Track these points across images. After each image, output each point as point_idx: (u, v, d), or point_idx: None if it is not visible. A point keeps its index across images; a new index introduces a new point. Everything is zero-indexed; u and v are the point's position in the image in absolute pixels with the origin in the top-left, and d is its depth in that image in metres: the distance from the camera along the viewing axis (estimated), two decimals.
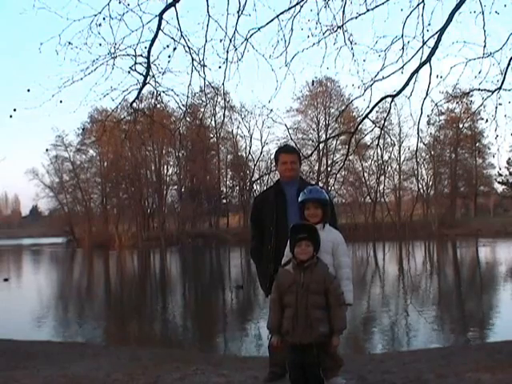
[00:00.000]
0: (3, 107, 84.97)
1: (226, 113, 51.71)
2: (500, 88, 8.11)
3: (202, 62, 7.66)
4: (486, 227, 47.37)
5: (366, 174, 57.39)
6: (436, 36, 7.51)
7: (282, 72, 8.00)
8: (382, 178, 56.72)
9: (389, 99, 8.40)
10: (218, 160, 59.81)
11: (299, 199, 4.21)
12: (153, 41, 7.21)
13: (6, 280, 22.34)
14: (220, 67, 7.76)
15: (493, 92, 8.23)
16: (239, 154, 60.18)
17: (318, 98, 56.53)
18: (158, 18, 7.08)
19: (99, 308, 16.34)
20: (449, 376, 4.81)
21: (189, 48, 7.51)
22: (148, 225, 58.09)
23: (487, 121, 8.53)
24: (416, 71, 7.77)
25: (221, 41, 7.58)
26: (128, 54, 7.24)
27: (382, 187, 57.13)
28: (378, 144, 35.57)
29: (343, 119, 45.17)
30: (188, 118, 36.86)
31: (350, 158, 46.08)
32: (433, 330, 10.42)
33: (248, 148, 59.18)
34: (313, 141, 55.43)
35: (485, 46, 7.85)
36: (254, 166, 58.50)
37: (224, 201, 61.14)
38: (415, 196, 55.27)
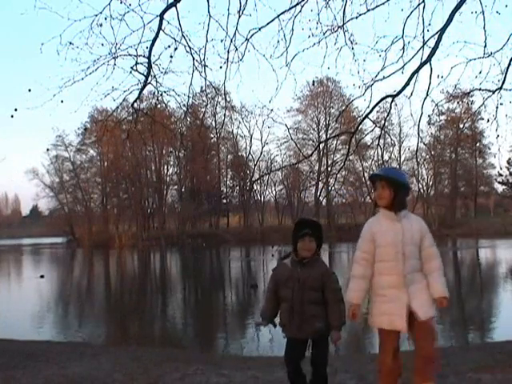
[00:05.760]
0: (4, 107, 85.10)
1: (227, 113, 51.92)
2: (501, 88, 8.11)
3: (202, 62, 7.67)
4: (486, 227, 47.37)
5: (366, 174, 57.38)
6: (436, 36, 7.50)
7: (282, 72, 8.02)
8: None
9: (389, 99, 8.39)
10: (218, 160, 59.87)
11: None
12: (154, 41, 7.21)
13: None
14: (221, 67, 7.77)
15: (493, 92, 8.22)
16: (239, 153, 60.29)
17: (318, 98, 56.61)
18: (158, 18, 7.08)
19: (99, 308, 16.34)
20: (449, 376, 4.82)
21: (190, 48, 7.52)
22: (148, 225, 58.14)
23: (488, 121, 8.54)
24: (416, 71, 7.76)
25: (222, 41, 7.58)
26: (129, 54, 7.24)
27: None
28: (378, 144, 35.72)
29: (343, 119, 45.23)
30: (189, 118, 36.83)
31: (351, 158, 46.10)
32: None
33: (248, 148, 59.40)
34: (313, 141, 55.54)
35: (485, 46, 7.85)
36: (254, 166, 58.63)
37: (224, 201, 61.17)
38: (415, 196, 55.32)
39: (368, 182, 57.44)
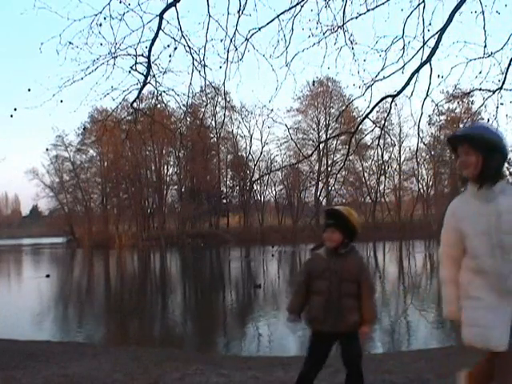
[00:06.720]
0: (4, 107, 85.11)
1: (227, 113, 51.74)
2: (501, 88, 8.12)
3: (202, 62, 7.69)
4: None
5: (366, 174, 57.43)
6: (436, 36, 7.51)
7: (282, 72, 8.04)
8: (382, 178, 56.76)
9: (389, 99, 8.40)
10: (218, 160, 59.84)
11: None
12: (153, 40, 7.22)
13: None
14: (220, 67, 7.79)
15: (494, 92, 8.24)
16: (239, 153, 60.23)
17: (318, 98, 56.58)
18: (158, 17, 7.09)
19: (99, 308, 16.34)
20: (449, 376, 4.80)
21: (189, 48, 7.54)
22: (148, 225, 58.09)
23: (488, 121, 8.54)
24: (416, 71, 7.77)
25: (221, 41, 7.60)
26: (129, 54, 7.26)
27: (382, 187, 57.20)
28: (378, 144, 35.66)
29: (343, 119, 45.21)
30: (188, 118, 36.85)
31: (351, 158, 46.09)
32: (433, 330, 10.41)
33: (248, 148, 59.33)
34: (313, 141, 55.52)
35: (485, 46, 7.87)
36: (254, 166, 58.56)
37: (224, 201, 61.15)
38: (415, 196, 55.34)
39: (368, 183, 57.49)
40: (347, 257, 3.60)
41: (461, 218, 2.67)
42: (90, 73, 7.07)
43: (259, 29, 7.61)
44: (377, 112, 12.71)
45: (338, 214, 3.66)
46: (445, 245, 2.77)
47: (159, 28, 7.12)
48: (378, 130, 14.70)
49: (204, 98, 24.17)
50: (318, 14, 7.76)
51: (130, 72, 7.41)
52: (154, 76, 7.56)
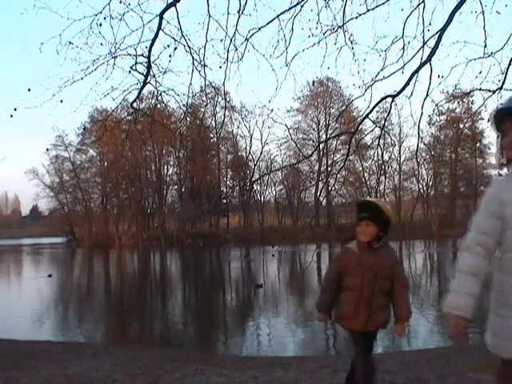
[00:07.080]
0: (4, 107, 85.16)
1: (227, 113, 51.74)
2: (501, 88, 8.10)
3: (202, 62, 7.66)
4: None
5: (366, 174, 57.48)
6: (436, 36, 7.50)
7: (282, 72, 7.99)
8: (383, 178, 56.79)
9: (389, 99, 8.37)
10: (218, 160, 59.87)
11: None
12: (153, 40, 7.20)
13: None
14: (220, 67, 7.76)
15: (494, 92, 8.22)
16: (239, 153, 60.29)
17: (318, 98, 56.62)
18: (158, 17, 7.07)
19: (100, 308, 16.34)
20: (449, 376, 4.81)
21: (189, 48, 7.51)
22: (148, 225, 58.16)
23: (488, 121, 8.53)
24: (416, 71, 7.75)
25: (221, 41, 7.58)
26: (129, 54, 7.24)
27: (382, 187, 57.22)
28: (378, 144, 35.62)
29: (343, 119, 45.24)
30: (188, 118, 36.80)
31: (351, 158, 46.05)
32: (433, 330, 10.41)
33: (248, 148, 59.41)
34: (313, 141, 55.58)
35: (485, 46, 7.84)
36: (254, 166, 58.58)
37: (224, 201, 61.19)
38: (415, 196, 55.37)
39: (368, 183, 57.46)
40: (381, 251, 3.40)
41: (507, 204, 2.25)
42: (90, 73, 7.05)
43: (259, 29, 7.60)
44: (377, 112, 12.70)
45: (372, 205, 3.44)
46: (478, 231, 2.39)
47: (159, 28, 7.11)
48: (378, 130, 14.68)
49: (204, 98, 24.15)
50: (318, 14, 7.74)
51: (130, 72, 7.40)
52: (154, 76, 7.54)
